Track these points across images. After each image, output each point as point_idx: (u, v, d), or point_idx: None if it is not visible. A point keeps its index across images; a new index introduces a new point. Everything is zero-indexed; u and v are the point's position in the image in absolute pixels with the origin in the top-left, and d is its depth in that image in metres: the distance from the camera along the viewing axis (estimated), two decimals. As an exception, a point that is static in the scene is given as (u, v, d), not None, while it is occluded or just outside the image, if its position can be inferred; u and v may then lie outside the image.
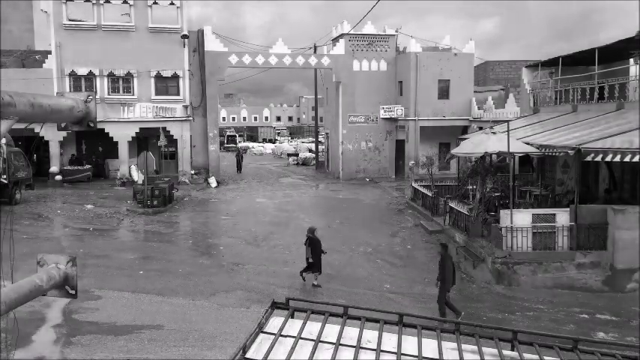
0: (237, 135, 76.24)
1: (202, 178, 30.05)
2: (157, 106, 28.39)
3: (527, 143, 15.30)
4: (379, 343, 2.91)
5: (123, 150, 28.25)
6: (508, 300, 12.00)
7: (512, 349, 3.03)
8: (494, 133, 16.00)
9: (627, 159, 12.08)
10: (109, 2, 27.44)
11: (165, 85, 28.86)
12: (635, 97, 15.95)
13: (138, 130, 28.28)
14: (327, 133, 37.65)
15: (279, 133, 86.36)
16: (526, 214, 13.27)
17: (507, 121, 15.77)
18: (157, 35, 28.13)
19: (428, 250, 16.16)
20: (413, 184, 23.01)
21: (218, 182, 29.56)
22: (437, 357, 2.85)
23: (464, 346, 2.94)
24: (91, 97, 2.79)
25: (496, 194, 17.20)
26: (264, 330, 3.07)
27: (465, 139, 20.20)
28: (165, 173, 29.16)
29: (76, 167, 28.33)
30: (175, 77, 28.78)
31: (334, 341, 2.91)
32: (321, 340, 2.92)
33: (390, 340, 2.98)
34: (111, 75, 28.02)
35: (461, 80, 31.41)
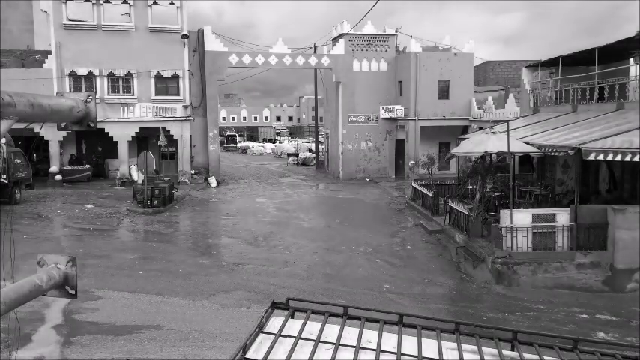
0: (237, 135, 76.26)
1: (202, 178, 30.06)
2: (156, 106, 28.39)
3: (527, 143, 15.30)
4: (379, 343, 2.91)
5: (123, 150, 28.25)
6: (508, 300, 12.00)
7: (512, 349, 3.03)
8: (494, 133, 16.01)
9: (627, 159, 12.08)
10: (109, 2, 27.45)
11: (165, 85, 28.86)
12: (635, 97, 15.95)
13: (138, 130, 28.27)
14: (327, 133, 37.65)
15: (279, 133, 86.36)
16: (526, 214, 13.28)
17: (507, 121, 15.78)
18: (157, 35, 28.14)
19: (428, 250, 16.17)
20: (413, 184, 23.02)
21: (218, 182, 29.56)
22: (437, 357, 2.85)
23: (464, 346, 2.94)
24: (91, 97, 2.79)
25: (496, 194, 17.20)
26: (264, 330, 3.07)
27: (465, 139, 20.20)
28: (165, 173, 29.16)
29: (75, 167, 28.34)
30: (175, 77, 28.79)
31: (334, 341, 2.91)
32: (321, 340, 2.92)
33: (390, 340, 2.98)
34: (111, 75, 28.02)
35: (461, 80, 31.41)
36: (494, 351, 2.93)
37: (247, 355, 2.78)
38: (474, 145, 15.98)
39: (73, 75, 27.49)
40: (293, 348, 2.81)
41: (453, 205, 16.95)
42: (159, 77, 28.57)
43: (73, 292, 2.66)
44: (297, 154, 48.33)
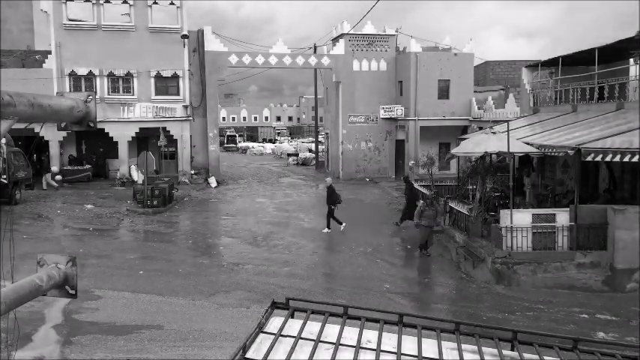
0: (237, 135, 76.25)
1: (202, 178, 30.06)
2: (156, 106, 28.40)
3: (527, 143, 15.29)
4: (379, 343, 2.91)
5: (123, 150, 28.26)
6: (508, 300, 12.00)
7: (512, 349, 3.03)
8: (494, 133, 16.01)
9: (627, 159, 12.08)
10: (109, 2, 27.45)
11: (165, 85, 28.87)
12: (635, 97, 15.95)
13: (138, 130, 28.28)
14: (327, 133, 37.66)
15: (279, 133, 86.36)
16: (526, 214, 13.27)
17: (507, 121, 15.77)
18: (157, 35, 28.14)
19: (428, 250, 16.16)
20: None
21: (218, 182, 29.56)
22: (437, 357, 2.85)
23: (464, 346, 2.94)
24: (90, 97, 2.79)
25: (496, 194, 17.19)
26: (264, 330, 3.07)
27: (465, 139, 20.19)
28: (165, 173, 29.17)
29: (75, 167, 28.34)
30: (175, 77, 28.79)
31: (334, 341, 2.91)
32: (321, 340, 2.92)
33: (390, 340, 2.98)
34: (111, 75, 28.02)
35: (461, 80, 31.41)
36: (495, 351, 2.93)
37: (247, 355, 2.78)
38: (474, 145, 15.98)
39: (73, 75, 27.49)
40: (293, 348, 2.81)
41: (453, 205, 16.95)
42: (159, 77, 28.57)
43: (73, 292, 2.66)
44: (297, 154, 48.31)
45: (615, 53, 17.20)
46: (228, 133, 71.59)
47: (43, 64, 27.34)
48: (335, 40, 33.08)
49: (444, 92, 31.49)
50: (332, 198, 17.95)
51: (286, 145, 60.09)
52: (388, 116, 32.61)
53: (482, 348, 2.94)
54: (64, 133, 26.56)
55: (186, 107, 28.82)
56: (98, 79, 27.87)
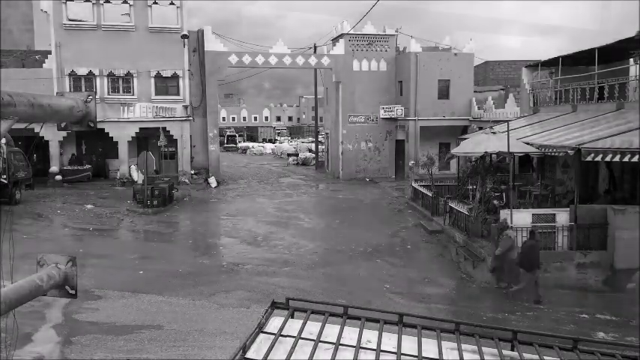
0: (237, 135, 76.18)
1: (202, 178, 30.05)
2: (156, 106, 28.39)
3: (527, 143, 15.30)
4: (379, 343, 2.91)
5: (123, 150, 28.25)
6: (508, 300, 12.00)
7: (512, 349, 3.03)
8: (494, 133, 16.02)
9: (627, 159, 12.08)
10: (109, 2, 27.44)
11: (165, 85, 28.86)
12: (635, 97, 15.95)
13: (138, 130, 28.27)
14: (327, 133, 37.65)
15: (279, 133, 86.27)
16: (526, 214, 13.28)
17: (507, 121, 15.78)
18: (156, 35, 28.13)
19: (428, 250, 16.18)
20: (413, 184, 23.02)
21: (218, 182, 29.56)
22: (437, 357, 2.85)
23: (464, 346, 2.94)
24: (90, 97, 2.79)
25: (496, 194, 17.20)
26: (264, 330, 3.06)
27: (465, 139, 20.21)
28: (165, 173, 29.14)
29: (75, 167, 28.32)
30: (175, 77, 28.79)
31: (334, 341, 2.90)
32: (321, 340, 2.92)
33: (390, 340, 2.98)
34: (111, 75, 28.02)
35: (461, 80, 31.40)
36: (495, 351, 2.92)
37: (247, 355, 2.78)
38: (474, 145, 16.00)
39: (73, 75, 27.48)
40: (293, 348, 2.81)
41: (453, 205, 16.95)
42: (159, 77, 28.56)
43: (73, 292, 2.66)
44: (297, 154, 48.30)
45: (615, 53, 17.20)
46: (228, 133, 71.49)
47: (43, 64, 27.33)
48: (335, 40, 33.06)
49: (444, 92, 31.48)
50: None
51: (286, 145, 60.05)
52: (388, 116, 32.60)
53: (483, 348, 2.94)
54: (64, 133, 26.54)
55: (186, 107, 28.81)
56: (98, 79, 27.86)
